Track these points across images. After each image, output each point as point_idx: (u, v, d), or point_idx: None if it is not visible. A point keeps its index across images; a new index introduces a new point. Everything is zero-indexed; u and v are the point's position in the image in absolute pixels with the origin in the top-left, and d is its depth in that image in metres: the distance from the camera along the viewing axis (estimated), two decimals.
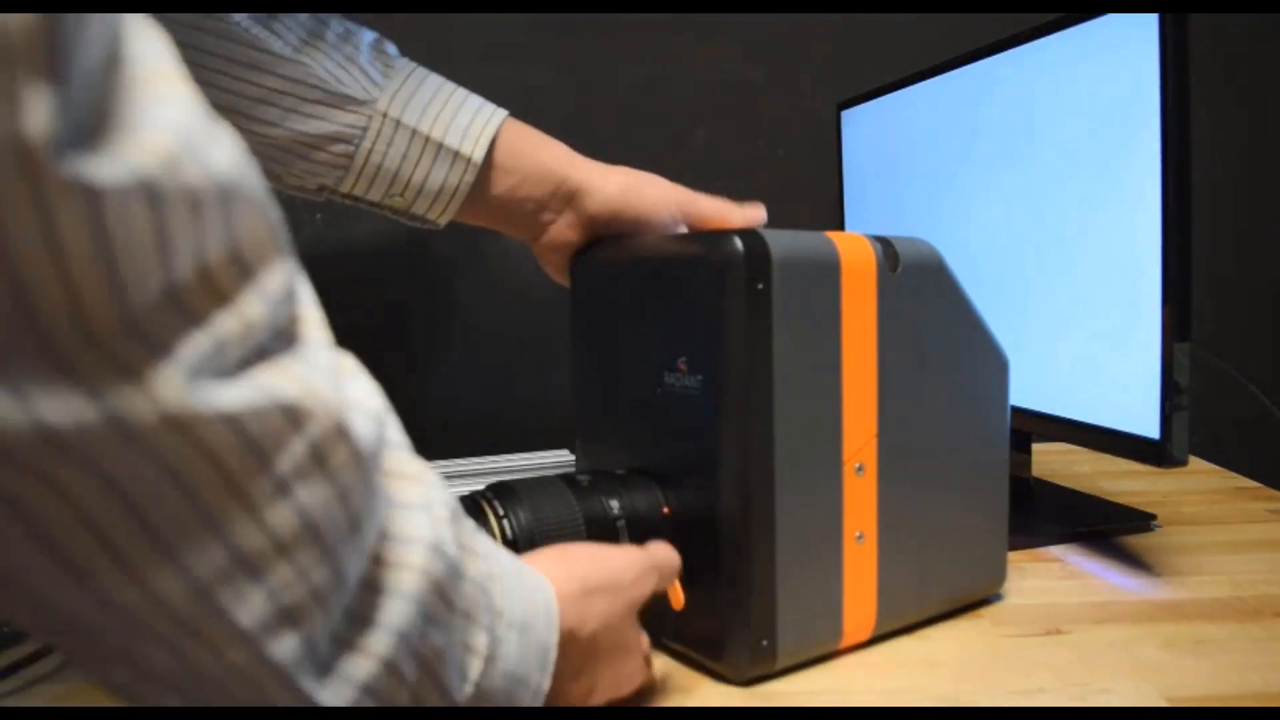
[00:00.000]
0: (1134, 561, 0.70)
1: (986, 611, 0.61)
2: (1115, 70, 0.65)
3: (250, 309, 0.26)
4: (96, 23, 0.22)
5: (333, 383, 0.28)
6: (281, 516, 0.27)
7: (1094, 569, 0.69)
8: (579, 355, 0.63)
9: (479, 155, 0.61)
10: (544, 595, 0.40)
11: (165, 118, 0.24)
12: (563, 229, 0.64)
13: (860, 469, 0.53)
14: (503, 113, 0.63)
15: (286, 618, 0.28)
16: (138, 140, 0.23)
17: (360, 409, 0.30)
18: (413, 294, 1.15)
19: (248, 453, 0.25)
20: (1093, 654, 0.54)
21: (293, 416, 0.26)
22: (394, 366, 1.13)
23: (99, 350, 0.23)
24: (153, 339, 0.23)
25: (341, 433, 0.28)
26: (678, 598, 0.52)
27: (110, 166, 0.22)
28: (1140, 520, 0.78)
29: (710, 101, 1.23)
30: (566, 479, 0.53)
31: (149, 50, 0.24)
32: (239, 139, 0.27)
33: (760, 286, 0.49)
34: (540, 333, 1.14)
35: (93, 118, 0.22)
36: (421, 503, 0.33)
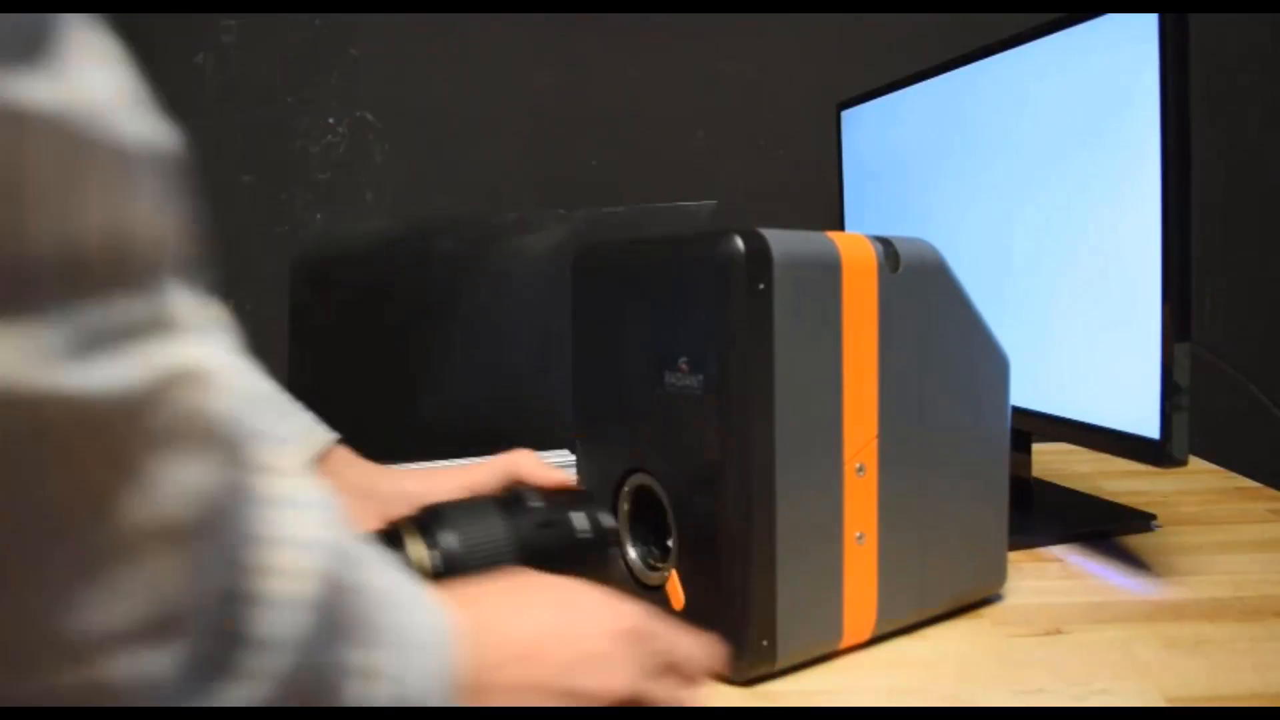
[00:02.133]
0: (1134, 561, 0.70)
1: (986, 611, 0.61)
2: (1115, 70, 0.65)
3: (140, 291, 0.24)
4: None
5: (207, 357, 0.26)
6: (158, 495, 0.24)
7: (1094, 569, 0.69)
8: (579, 355, 0.63)
9: None
10: (438, 612, 0.35)
11: (102, 79, 0.23)
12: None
13: (861, 469, 0.53)
14: (331, 436, 0.58)
15: (161, 627, 0.24)
16: (72, 81, 0.22)
17: (230, 390, 0.26)
18: (414, 293, 1.15)
19: (126, 421, 0.23)
20: (1092, 654, 0.54)
21: (165, 385, 0.24)
22: (395, 365, 1.13)
23: None
24: (40, 296, 0.21)
25: (210, 410, 0.25)
26: (677, 597, 0.52)
27: (40, 90, 0.21)
28: (1140, 520, 0.78)
29: (710, 101, 1.23)
30: (495, 499, 0.51)
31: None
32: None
33: (761, 286, 0.49)
34: (541, 333, 1.14)
35: (30, 44, 0.21)
36: (316, 501, 0.29)
